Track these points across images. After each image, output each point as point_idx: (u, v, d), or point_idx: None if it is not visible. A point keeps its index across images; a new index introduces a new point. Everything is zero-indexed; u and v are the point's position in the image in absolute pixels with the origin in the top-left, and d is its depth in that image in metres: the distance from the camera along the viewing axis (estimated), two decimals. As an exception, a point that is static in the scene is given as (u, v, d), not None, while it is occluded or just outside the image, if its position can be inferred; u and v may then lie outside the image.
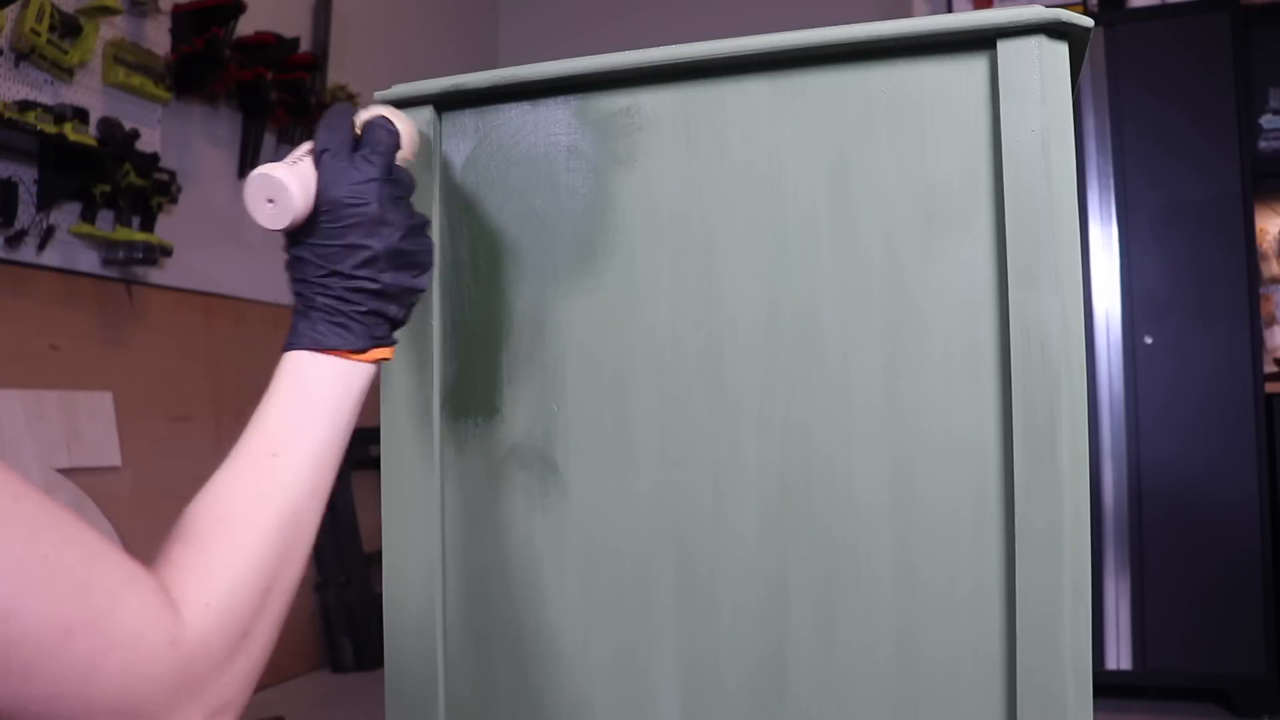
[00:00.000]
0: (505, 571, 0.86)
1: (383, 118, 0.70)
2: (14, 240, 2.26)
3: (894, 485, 0.76)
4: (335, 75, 3.40)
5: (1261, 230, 3.00)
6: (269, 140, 3.08)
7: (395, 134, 0.69)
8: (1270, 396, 2.62)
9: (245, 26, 2.87)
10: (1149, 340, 2.65)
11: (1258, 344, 2.59)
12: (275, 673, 2.85)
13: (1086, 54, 0.78)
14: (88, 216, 2.42)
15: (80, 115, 2.34)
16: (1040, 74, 0.72)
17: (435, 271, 0.85)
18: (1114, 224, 2.69)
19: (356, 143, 0.68)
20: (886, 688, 0.76)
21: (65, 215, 2.40)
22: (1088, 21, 0.73)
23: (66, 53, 2.33)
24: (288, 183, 0.63)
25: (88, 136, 2.34)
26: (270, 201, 0.64)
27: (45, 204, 2.30)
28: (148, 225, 2.55)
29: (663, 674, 0.81)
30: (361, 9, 3.62)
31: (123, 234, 2.47)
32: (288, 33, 3.05)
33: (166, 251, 2.59)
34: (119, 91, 2.55)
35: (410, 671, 0.86)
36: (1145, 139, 2.68)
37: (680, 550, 0.81)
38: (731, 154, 0.81)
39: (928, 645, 0.75)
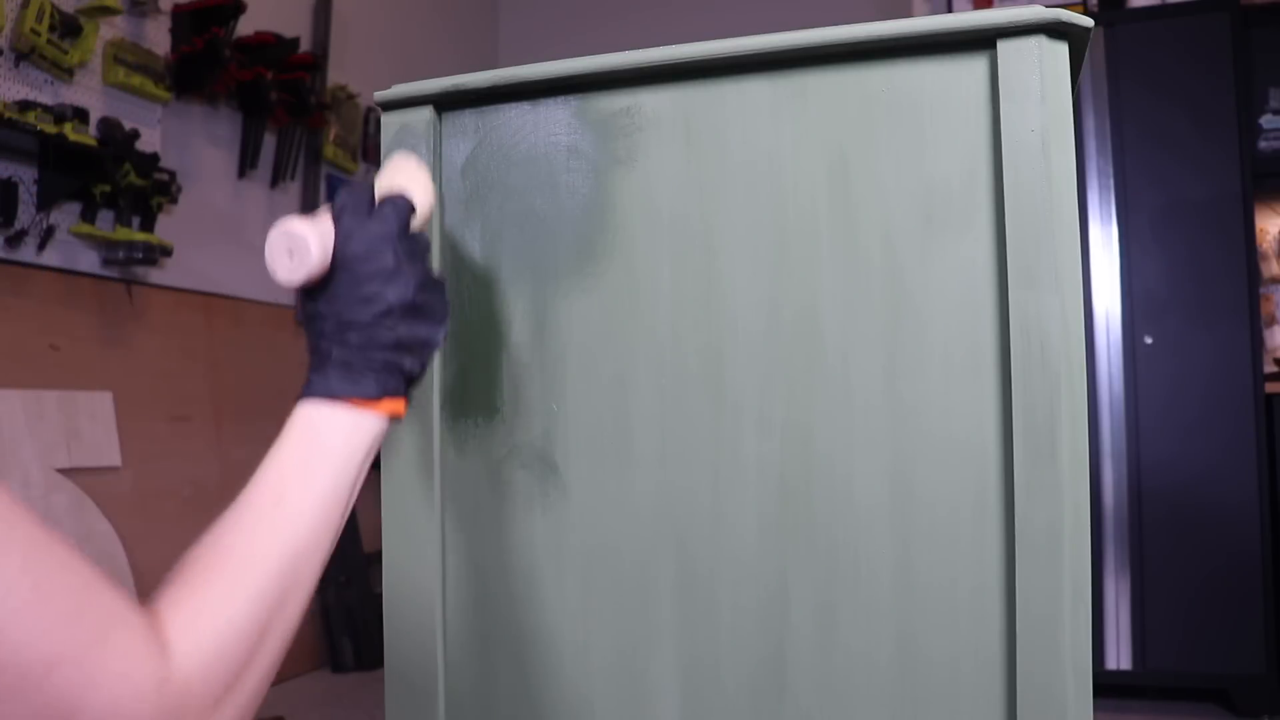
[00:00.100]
0: (505, 571, 0.86)
1: (401, 196, 0.70)
2: (14, 240, 2.25)
3: (894, 485, 0.76)
4: (335, 75, 3.40)
5: (1261, 230, 2.99)
6: (269, 140, 3.08)
7: (410, 201, 0.70)
8: (1270, 396, 2.62)
9: (245, 26, 2.86)
10: (1149, 340, 2.65)
11: (1258, 344, 2.59)
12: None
13: (1086, 54, 0.78)
14: (88, 216, 2.42)
15: (80, 115, 2.34)
16: (1040, 74, 0.72)
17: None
18: (1114, 224, 2.69)
19: (374, 205, 0.69)
20: (886, 688, 0.76)
21: (65, 215, 2.40)
22: (1088, 21, 0.73)
23: (66, 53, 2.32)
24: (306, 236, 0.64)
25: (88, 136, 2.34)
26: (290, 254, 0.64)
27: (45, 204, 2.30)
28: (148, 225, 2.55)
29: (663, 674, 0.81)
30: (361, 9, 3.62)
31: (123, 234, 2.47)
32: (288, 33, 3.05)
33: (166, 251, 2.59)
34: (119, 91, 2.54)
35: (410, 671, 0.86)
36: (1145, 139, 2.68)
37: (680, 550, 0.81)
38: (731, 154, 0.81)
39: (928, 645, 0.75)
